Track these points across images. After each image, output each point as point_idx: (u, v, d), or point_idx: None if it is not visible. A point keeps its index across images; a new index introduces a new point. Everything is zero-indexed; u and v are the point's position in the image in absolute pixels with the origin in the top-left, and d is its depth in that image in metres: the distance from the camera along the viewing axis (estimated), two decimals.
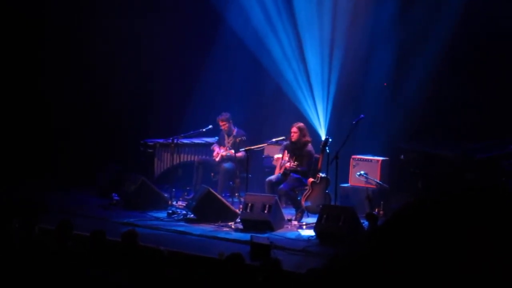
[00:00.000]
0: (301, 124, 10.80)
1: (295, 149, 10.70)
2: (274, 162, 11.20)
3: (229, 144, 11.61)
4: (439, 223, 1.37)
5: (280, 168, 10.73)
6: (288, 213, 10.47)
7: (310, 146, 10.70)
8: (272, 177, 10.72)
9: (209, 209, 10.11)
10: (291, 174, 10.56)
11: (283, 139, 10.93)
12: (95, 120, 13.31)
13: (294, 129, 10.68)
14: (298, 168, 10.52)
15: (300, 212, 10.42)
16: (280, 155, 10.79)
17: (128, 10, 12.99)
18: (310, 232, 9.48)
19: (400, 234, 1.38)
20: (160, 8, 13.27)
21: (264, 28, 12.43)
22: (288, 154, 10.69)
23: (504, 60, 11.27)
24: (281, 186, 10.47)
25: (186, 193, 11.77)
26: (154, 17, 13.18)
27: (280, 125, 11.77)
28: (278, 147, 11.22)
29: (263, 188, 10.68)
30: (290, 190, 10.44)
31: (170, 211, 10.61)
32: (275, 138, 11.06)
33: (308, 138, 10.73)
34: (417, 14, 11.55)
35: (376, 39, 11.90)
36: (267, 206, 9.66)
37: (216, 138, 12.04)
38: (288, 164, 10.53)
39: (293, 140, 10.67)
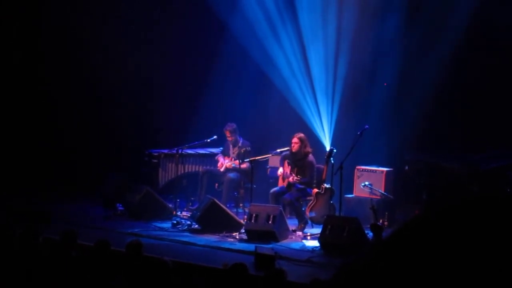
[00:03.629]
0: (302, 135, 10.72)
1: (296, 160, 10.63)
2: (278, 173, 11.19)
3: (234, 155, 11.59)
4: (447, 235, 1.35)
5: (284, 180, 10.70)
6: (292, 223, 10.44)
7: (311, 157, 10.63)
8: (276, 189, 10.69)
9: (213, 220, 10.09)
10: (295, 185, 10.53)
11: (287, 150, 10.86)
12: (99, 130, 13.33)
13: (295, 139, 10.59)
14: (302, 180, 10.47)
15: (303, 224, 10.39)
16: (282, 169, 10.72)
17: (134, 20, 13.03)
18: (315, 243, 9.45)
19: (409, 247, 1.37)
20: (166, 18, 13.30)
21: (269, 38, 12.44)
22: (289, 166, 10.65)
23: (509, 69, 11.25)
24: (286, 195, 10.45)
25: (190, 204, 11.75)
26: (159, 28, 13.22)
27: (284, 135, 11.73)
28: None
29: (268, 199, 10.65)
30: (295, 200, 10.42)
31: (175, 222, 10.60)
32: (279, 148, 11.03)
33: (309, 149, 10.65)
34: (423, 25, 11.55)
35: (381, 49, 11.90)
36: (271, 216, 9.64)
37: (221, 148, 12.03)
38: (291, 179, 10.50)
39: (293, 151, 10.57)
